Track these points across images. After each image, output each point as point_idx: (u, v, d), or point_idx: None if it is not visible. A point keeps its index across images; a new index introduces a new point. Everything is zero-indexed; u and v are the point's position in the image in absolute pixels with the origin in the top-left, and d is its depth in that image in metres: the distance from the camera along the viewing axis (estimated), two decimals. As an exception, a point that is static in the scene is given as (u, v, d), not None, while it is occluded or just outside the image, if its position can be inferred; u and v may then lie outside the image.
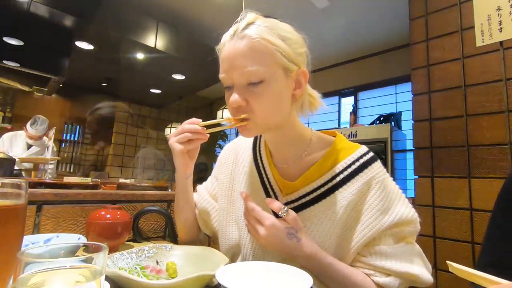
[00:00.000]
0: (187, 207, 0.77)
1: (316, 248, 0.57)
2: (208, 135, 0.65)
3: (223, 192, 0.76)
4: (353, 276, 0.56)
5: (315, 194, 0.61)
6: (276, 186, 0.66)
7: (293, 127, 0.64)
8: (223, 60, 0.58)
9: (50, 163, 2.51)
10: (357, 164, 0.61)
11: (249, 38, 0.55)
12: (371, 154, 0.63)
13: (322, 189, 0.60)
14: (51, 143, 2.44)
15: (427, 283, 0.57)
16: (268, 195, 0.66)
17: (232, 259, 0.71)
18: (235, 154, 0.77)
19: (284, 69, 0.57)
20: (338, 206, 0.58)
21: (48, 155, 2.44)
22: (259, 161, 0.70)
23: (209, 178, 0.84)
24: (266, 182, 0.67)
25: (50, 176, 2.50)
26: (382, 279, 0.55)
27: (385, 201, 0.58)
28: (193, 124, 0.64)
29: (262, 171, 0.69)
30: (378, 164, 0.62)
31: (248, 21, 0.57)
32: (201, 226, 0.80)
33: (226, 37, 0.59)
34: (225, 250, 0.72)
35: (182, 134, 0.64)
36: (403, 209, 0.58)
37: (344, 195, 0.59)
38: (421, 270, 0.57)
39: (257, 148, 0.73)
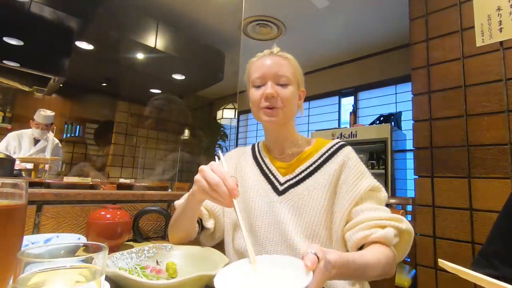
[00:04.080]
0: (193, 220, 0.76)
1: (340, 258, 0.51)
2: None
3: None
4: (369, 253, 0.59)
5: (307, 171, 0.79)
6: (275, 171, 0.83)
7: (292, 128, 0.86)
8: (261, 65, 0.79)
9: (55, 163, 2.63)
10: (335, 147, 0.81)
11: (285, 57, 0.80)
12: (344, 142, 0.84)
13: (312, 167, 0.79)
14: (52, 136, 2.65)
15: (410, 227, 0.68)
16: (268, 179, 0.82)
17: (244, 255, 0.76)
18: (237, 159, 0.91)
19: (298, 84, 0.81)
20: (325, 177, 0.76)
21: (50, 149, 2.63)
22: (259, 156, 0.88)
23: None
24: (267, 170, 0.84)
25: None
26: (378, 233, 0.63)
27: (360, 168, 0.76)
28: (232, 190, 0.56)
29: (262, 163, 0.86)
30: (350, 147, 0.81)
31: (280, 49, 0.82)
32: (217, 230, 0.83)
33: (262, 54, 0.82)
34: (236, 245, 0.79)
35: (213, 189, 0.57)
36: (372, 178, 0.75)
37: (328, 169, 0.77)
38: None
39: (256, 149, 0.92)
